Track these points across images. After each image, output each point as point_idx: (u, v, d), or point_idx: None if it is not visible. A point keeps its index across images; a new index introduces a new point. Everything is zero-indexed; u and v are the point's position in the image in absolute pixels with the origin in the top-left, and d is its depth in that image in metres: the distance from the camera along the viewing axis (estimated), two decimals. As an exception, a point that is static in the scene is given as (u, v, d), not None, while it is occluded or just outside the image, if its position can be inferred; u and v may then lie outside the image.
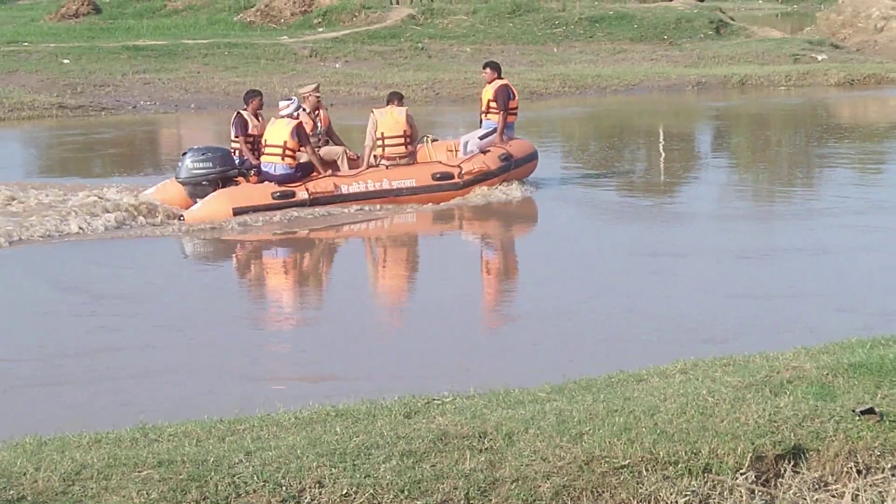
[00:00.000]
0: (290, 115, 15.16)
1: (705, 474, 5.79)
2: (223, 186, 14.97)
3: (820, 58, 32.59)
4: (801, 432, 6.10)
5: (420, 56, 32.75)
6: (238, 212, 14.52)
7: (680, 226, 14.64)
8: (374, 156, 15.63)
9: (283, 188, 14.86)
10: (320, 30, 36.14)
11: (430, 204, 15.47)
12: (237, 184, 15.14)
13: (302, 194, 14.90)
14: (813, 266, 12.39)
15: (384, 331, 10.64)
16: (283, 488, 5.30)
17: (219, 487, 5.26)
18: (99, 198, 15.03)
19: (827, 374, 6.83)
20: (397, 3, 39.25)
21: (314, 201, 14.94)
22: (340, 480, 5.39)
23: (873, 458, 6.12)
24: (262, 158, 15.13)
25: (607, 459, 5.80)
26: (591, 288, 11.67)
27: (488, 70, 16.56)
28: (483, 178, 15.86)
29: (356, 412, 6.52)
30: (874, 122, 26.08)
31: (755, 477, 5.87)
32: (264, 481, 5.32)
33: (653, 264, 12.57)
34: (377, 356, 9.57)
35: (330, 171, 15.34)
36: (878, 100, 28.99)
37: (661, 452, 5.85)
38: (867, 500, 5.96)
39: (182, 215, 14.57)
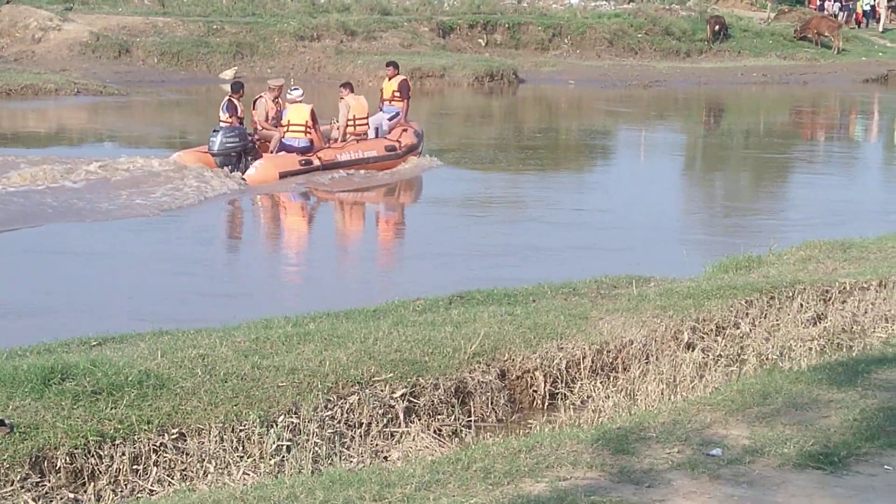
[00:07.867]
0: (300, 100, 19.70)
1: None
2: (245, 157, 19.30)
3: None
4: None
5: None
6: (282, 175, 19.10)
7: None
8: (345, 133, 20.52)
9: (305, 157, 19.56)
10: None
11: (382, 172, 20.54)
12: (251, 155, 19.40)
13: (316, 162, 19.70)
14: None
15: None
16: None
17: None
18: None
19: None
20: None
21: (325, 167, 19.76)
22: None
23: (2, 471, 6.11)
24: (287, 135, 19.64)
25: None
26: None
27: (391, 68, 21.74)
28: (412, 149, 21.35)
29: None
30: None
31: None
32: None
33: None
34: None
35: (328, 145, 20.28)
36: (37, 111, 29.00)
37: None
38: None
39: (244, 178, 18.82)
